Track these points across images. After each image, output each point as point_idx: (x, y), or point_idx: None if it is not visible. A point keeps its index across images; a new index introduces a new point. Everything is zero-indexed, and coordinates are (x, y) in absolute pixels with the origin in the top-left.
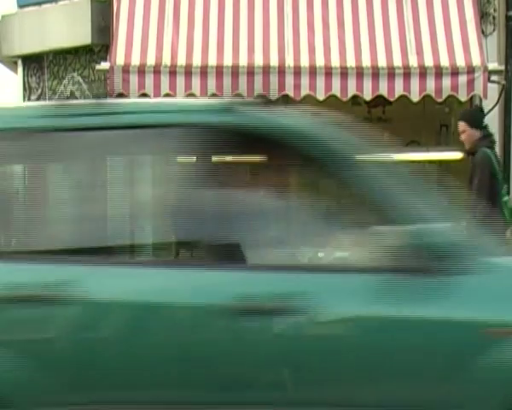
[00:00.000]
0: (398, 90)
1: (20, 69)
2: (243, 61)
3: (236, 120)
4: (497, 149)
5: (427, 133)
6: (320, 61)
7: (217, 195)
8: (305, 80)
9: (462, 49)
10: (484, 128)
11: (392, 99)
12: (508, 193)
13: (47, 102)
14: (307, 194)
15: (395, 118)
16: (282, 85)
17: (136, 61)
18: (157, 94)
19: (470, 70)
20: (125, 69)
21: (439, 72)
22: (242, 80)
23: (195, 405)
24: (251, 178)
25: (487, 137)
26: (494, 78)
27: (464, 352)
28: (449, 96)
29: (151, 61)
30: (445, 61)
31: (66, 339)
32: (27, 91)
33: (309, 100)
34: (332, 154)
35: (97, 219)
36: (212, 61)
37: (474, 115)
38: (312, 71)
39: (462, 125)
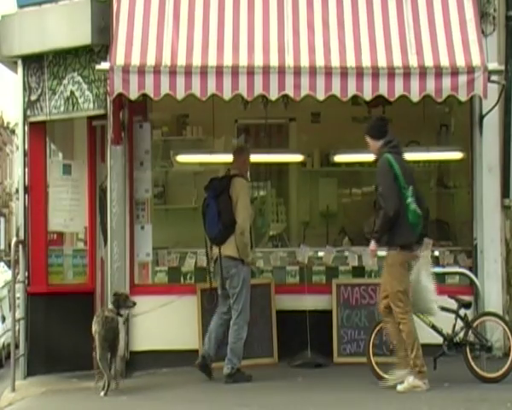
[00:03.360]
0: (398, 90)
1: (20, 69)
2: (243, 61)
3: None
4: (497, 148)
5: (427, 133)
6: (320, 61)
7: None
8: (305, 80)
9: (462, 49)
10: (386, 135)
11: (392, 99)
12: (412, 195)
13: None
14: None
15: (395, 118)
16: (282, 85)
17: (136, 61)
18: (157, 94)
19: (470, 70)
20: (125, 69)
21: (439, 72)
22: (242, 80)
23: None
24: None
25: (388, 143)
26: (494, 78)
27: None
28: (449, 96)
29: (151, 61)
30: (445, 61)
31: None
32: (27, 91)
33: (309, 100)
34: None
35: None
36: (212, 61)
37: (374, 127)
38: (312, 71)
39: (366, 139)
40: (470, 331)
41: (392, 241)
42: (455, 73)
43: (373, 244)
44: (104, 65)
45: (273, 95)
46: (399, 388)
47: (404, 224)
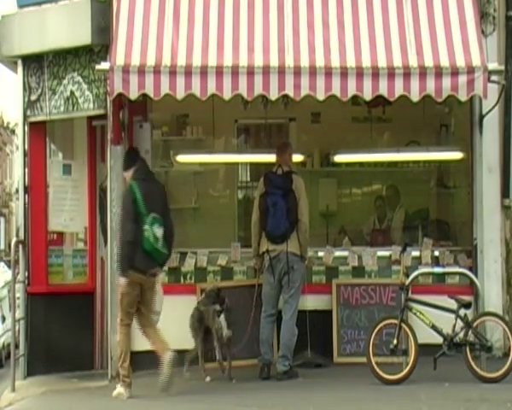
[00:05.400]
0: (398, 90)
1: (20, 69)
2: (243, 61)
3: None
4: (497, 148)
5: (427, 133)
6: (320, 61)
7: None
8: (305, 80)
9: (462, 49)
10: (134, 164)
11: (392, 99)
12: (161, 223)
13: None
14: None
15: (395, 118)
16: (282, 85)
17: (136, 61)
18: (157, 94)
19: (470, 70)
20: (125, 69)
21: (439, 72)
22: (242, 80)
23: None
24: None
25: (137, 171)
26: (494, 78)
27: None
28: (449, 96)
29: (151, 61)
30: (445, 61)
31: None
32: (27, 91)
33: (309, 100)
34: None
35: None
36: (212, 61)
37: (123, 161)
38: (312, 71)
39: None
40: (470, 331)
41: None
42: (455, 73)
43: (122, 280)
44: (104, 65)
45: (273, 95)
46: (114, 393)
47: (137, 248)
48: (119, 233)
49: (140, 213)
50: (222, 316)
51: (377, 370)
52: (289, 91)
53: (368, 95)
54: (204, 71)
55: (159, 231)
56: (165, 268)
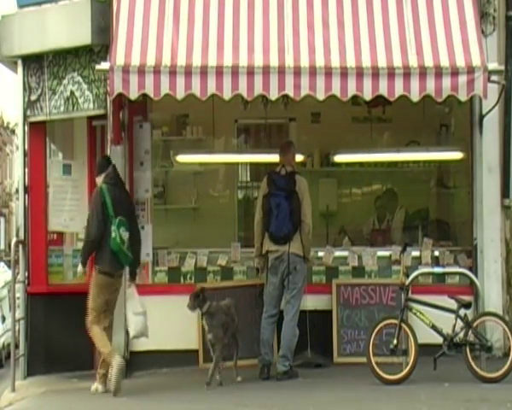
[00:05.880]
0: (398, 90)
1: (20, 69)
2: (243, 61)
3: None
4: (497, 148)
5: (427, 133)
6: (320, 61)
7: None
8: (305, 80)
9: (462, 49)
10: (106, 169)
11: (392, 99)
12: (127, 228)
13: None
14: None
15: (395, 118)
16: (282, 85)
17: (136, 61)
18: (157, 94)
19: (470, 70)
20: (125, 69)
21: (439, 72)
22: (242, 80)
23: None
24: None
25: (107, 176)
26: (494, 78)
27: None
28: (449, 96)
29: (151, 61)
30: (445, 61)
31: None
32: (27, 91)
33: (309, 100)
34: None
35: None
36: (212, 61)
37: (96, 166)
38: (312, 71)
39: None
40: (470, 331)
41: (96, 263)
42: (455, 73)
43: (80, 267)
44: (104, 65)
45: (273, 95)
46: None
47: (105, 249)
48: (85, 230)
49: (108, 215)
50: (204, 319)
51: (377, 370)
52: (289, 91)
53: (368, 95)
54: (204, 71)
55: (125, 234)
56: (165, 268)
